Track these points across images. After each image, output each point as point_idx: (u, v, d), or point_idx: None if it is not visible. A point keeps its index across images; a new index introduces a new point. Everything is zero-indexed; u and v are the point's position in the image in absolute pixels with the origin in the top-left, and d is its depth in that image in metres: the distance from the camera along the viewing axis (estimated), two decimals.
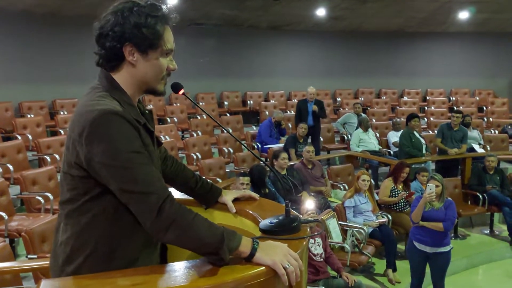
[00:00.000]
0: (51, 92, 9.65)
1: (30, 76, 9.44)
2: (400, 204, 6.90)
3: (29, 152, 7.37)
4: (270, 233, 1.67)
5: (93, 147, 1.44)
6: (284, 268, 1.45)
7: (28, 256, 4.19)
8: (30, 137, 7.75)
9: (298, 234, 1.71)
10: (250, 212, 1.95)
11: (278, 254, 1.47)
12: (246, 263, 1.48)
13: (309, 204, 4.06)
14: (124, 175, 1.45)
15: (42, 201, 5.54)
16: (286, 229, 1.70)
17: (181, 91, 1.79)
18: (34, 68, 9.45)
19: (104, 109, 1.47)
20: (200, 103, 10.93)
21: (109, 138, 1.44)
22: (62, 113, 9.31)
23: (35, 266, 3.74)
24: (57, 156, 6.89)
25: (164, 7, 1.61)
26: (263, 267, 1.45)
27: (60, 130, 8.39)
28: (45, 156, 6.92)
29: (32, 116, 8.82)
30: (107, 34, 1.56)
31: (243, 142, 8.96)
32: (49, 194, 5.67)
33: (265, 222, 1.74)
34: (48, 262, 3.82)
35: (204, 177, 2.07)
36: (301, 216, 1.90)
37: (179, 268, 1.46)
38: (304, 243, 1.68)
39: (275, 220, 1.74)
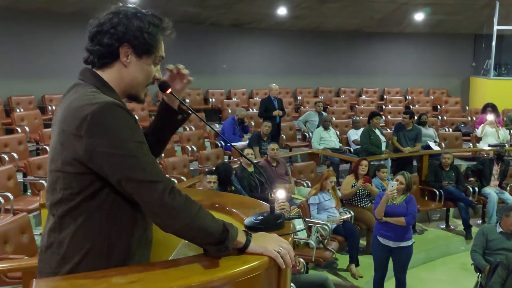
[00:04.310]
0: (6, 88, 9.32)
1: None
2: (361, 199, 7.06)
3: None
4: (255, 230, 1.70)
5: (97, 138, 1.43)
6: (278, 252, 1.52)
7: None
8: None
9: (282, 231, 1.74)
10: (233, 210, 1.98)
11: (269, 242, 1.54)
12: (237, 259, 1.51)
13: (280, 193, 4.07)
14: (131, 164, 1.45)
15: (2, 201, 5.37)
16: (271, 226, 1.73)
17: (169, 90, 1.79)
18: None
19: (105, 101, 1.47)
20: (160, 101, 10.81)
21: (114, 128, 1.44)
22: (18, 110, 9.02)
23: None
24: (15, 155, 6.68)
25: (164, 19, 1.67)
26: (254, 263, 1.49)
27: (17, 128, 8.14)
28: (2, 155, 6.70)
29: None
30: (107, 31, 1.57)
31: (206, 140, 9.02)
32: (8, 194, 5.51)
33: (250, 219, 1.77)
34: (11, 264, 3.71)
35: None
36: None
37: (173, 265, 1.49)
38: (290, 239, 1.72)
39: (260, 217, 1.77)
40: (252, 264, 1.48)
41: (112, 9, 1.60)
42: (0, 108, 9.12)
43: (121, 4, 1.63)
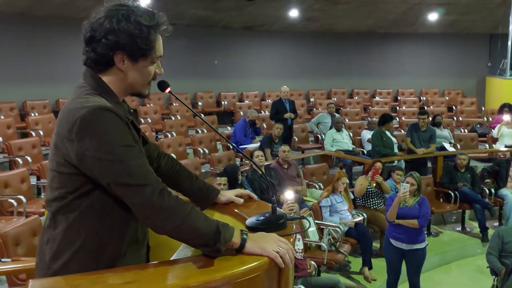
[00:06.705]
0: (21, 93, 9.46)
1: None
2: (373, 199, 6.98)
3: (0, 154, 7.20)
4: (257, 230, 1.67)
5: (86, 142, 1.44)
6: (277, 252, 1.48)
7: (2, 259, 4.10)
8: (0, 139, 7.57)
9: (285, 231, 1.71)
10: (236, 210, 1.95)
11: (268, 242, 1.51)
12: (236, 259, 1.49)
13: (289, 194, 4.04)
14: (119, 168, 1.45)
15: (15, 203, 5.43)
16: (273, 226, 1.71)
17: (168, 89, 1.78)
18: (3, 68, 9.24)
19: (95, 105, 1.47)
20: (174, 104, 10.87)
21: (102, 132, 1.45)
22: (32, 114, 9.15)
23: (9, 269, 3.65)
24: (28, 158, 6.76)
25: (158, 15, 1.61)
26: (253, 264, 1.46)
27: (31, 132, 8.24)
28: (16, 158, 6.78)
29: (2, 117, 8.62)
30: (99, 40, 1.54)
31: (218, 142, 9.04)
32: (21, 197, 5.56)
33: (251, 220, 1.74)
34: (22, 265, 3.74)
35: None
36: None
37: (169, 266, 1.47)
38: (292, 239, 1.69)
39: (262, 218, 1.74)
40: (250, 265, 1.46)
41: (103, 10, 1.56)
42: (15, 112, 9.27)
43: (113, 3, 1.58)
